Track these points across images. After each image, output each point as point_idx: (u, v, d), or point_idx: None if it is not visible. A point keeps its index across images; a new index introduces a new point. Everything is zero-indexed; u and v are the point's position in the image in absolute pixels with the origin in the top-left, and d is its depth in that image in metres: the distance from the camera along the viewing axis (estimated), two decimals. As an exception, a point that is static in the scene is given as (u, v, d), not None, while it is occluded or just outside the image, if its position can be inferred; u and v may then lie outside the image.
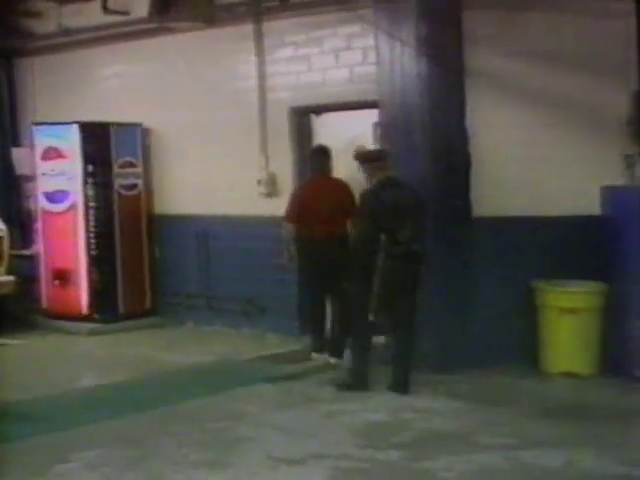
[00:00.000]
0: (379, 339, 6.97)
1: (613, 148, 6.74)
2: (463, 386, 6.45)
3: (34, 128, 9.34)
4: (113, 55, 9.46)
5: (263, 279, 8.31)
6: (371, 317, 6.33)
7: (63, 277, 9.07)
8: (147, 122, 9.17)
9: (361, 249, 6.47)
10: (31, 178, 9.54)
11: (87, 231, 8.92)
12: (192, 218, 8.90)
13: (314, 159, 7.56)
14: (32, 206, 9.69)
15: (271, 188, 8.31)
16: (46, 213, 9.24)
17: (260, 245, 8.27)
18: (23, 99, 10.44)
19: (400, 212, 6.28)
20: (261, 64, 8.32)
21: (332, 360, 7.11)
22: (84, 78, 9.71)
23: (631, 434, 5.34)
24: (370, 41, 7.36)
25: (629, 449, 5.04)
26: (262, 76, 8.33)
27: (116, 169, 9.01)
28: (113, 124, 9.00)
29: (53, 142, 9.05)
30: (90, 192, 8.93)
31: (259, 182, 8.33)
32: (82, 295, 8.97)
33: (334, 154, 7.49)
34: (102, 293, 8.99)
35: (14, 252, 9.13)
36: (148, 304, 9.26)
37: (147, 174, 9.24)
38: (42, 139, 9.19)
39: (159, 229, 9.24)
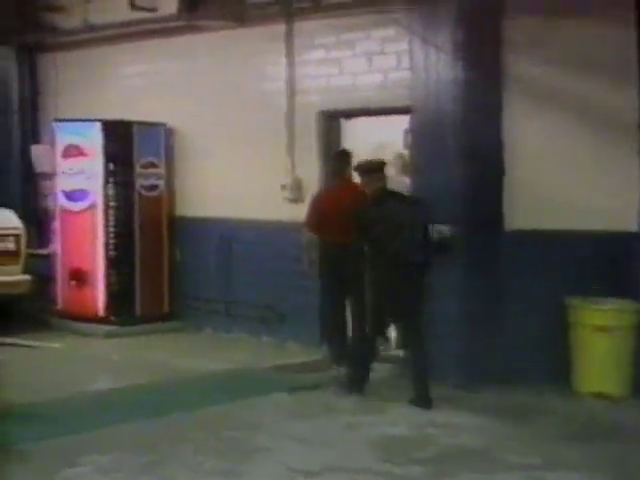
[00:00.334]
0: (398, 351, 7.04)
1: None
2: (488, 403, 6.42)
3: (55, 125, 9.43)
4: (139, 53, 9.54)
5: (284, 286, 8.32)
6: (367, 329, 6.65)
7: (80, 277, 9.13)
8: (171, 122, 9.24)
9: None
10: (50, 176, 9.63)
11: (106, 231, 8.99)
12: (214, 221, 8.94)
13: (334, 163, 7.63)
14: (50, 204, 9.77)
15: (296, 193, 8.32)
16: (65, 212, 9.32)
17: (282, 251, 8.29)
18: (45, 95, 10.56)
19: (393, 223, 6.39)
20: (291, 66, 8.36)
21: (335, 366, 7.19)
22: (108, 75, 9.81)
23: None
24: (404, 45, 7.38)
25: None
26: (291, 78, 8.37)
27: (138, 169, 9.08)
28: (136, 123, 9.08)
29: (74, 140, 9.14)
30: (110, 192, 9.00)
31: (284, 187, 8.35)
32: (99, 296, 9.03)
33: (362, 159, 7.48)
34: (119, 295, 9.05)
35: (31, 251, 9.21)
36: (166, 308, 9.31)
37: (169, 175, 9.30)
38: (63, 136, 9.27)
39: (180, 231, 9.29)
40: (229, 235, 8.78)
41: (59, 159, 9.29)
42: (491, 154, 6.99)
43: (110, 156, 8.97)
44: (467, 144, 6.92)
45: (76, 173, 9.12)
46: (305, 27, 8.23)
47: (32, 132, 10.57)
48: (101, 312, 9.03)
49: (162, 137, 9.23)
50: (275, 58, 8.44)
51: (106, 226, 8.98)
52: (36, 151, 10.25)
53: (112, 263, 9.01)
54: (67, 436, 5.52)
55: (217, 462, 5.07)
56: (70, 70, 10.14)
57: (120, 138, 9.02)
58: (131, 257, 9.07)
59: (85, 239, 9.10)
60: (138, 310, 9.11)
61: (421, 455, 5.24)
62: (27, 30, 10.08)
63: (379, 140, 8.19)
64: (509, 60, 6.92)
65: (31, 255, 9.19)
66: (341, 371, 7.04)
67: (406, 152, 8.00)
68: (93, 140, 8.98)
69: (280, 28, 8.30)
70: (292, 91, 8.37)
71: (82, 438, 5.50)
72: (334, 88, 8.14)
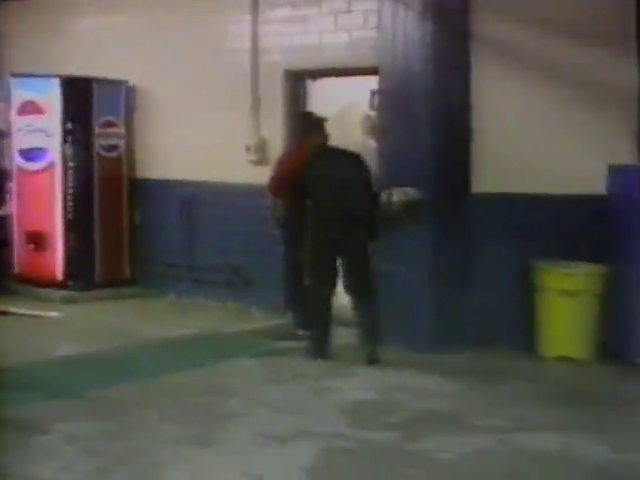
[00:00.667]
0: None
1: (622, 124, 6.74)
2: (456, 366, 6.51)
3: (11, 80, 9.21)
4: (98, 5, 9.34)
5: (249, 250, 8.31)
6: (305, 281, 6.69)
7: (37, 241, 9.02)
8: (132, 80, 9.10)
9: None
10: (5, 134, 9.42)
11: (64, 193, 8.86)
12: (176, 183, 8.86)
13: (298, 125, 7.60)
14: (6, 164, 9.58)
15: (261, 155, 8.28)
16: (21, 172, 9.17)
17: (247, 214, 8.26)
18: (-1, 47, 10.31)
19: (334, 180, 6.47)
20: (255, 23, 8.25)
21: (300, 332, 7.19)
22: (65, 28, 9.59)
23: (628, 421, 5.41)
24: (372, 4, 7.34)
25: (626, 436, 5.10)
26: (255, 36, 8.27)
27: (97, 128, 8.93)
28: (96, 80, 8.90)
29: (31, 96, 8.94)
30: (68, 151, 8.84)
31: (248, 148, 8.30)
32: (57, 261, 8.93)
33: (329, 121, 7.46)
34: (78, 259, 8.95)
35: (-16, 213, 9.08)
36: (127, 273, 9.23)
37: (130, 135, 9.17)
38: (19, 92, 9.07)
39: (141, 194, 9.19)
40: (192, 197, 8.72)
41: (14, 116, 9.10)
42: (459, 116, 7.01)
43: (68, 114, 8.79)
44: (435, 106, 6.93)
45: (33, 131, 8.94)
46: (271, -17, 8.16)
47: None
48: (59, 277, 8.93)
49: (123, 95, 9.07)
50: (239, 15, 8.34)
51: (64, 187, 8.84)
52: (-11, 108, 10.05)
53: (70, 226, 8.89)
54: (32, 404, 5.48)
55: (185, 429, 5.08)
56: (27, 21, 9.88)
57: (79, 95, 8.84)
58: (90, 220, 8.95)
59: (42, 201, 8.96)
60: (97, 275, 9.03)
61: (391, 419, 5.31)
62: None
63: (346, 101, 8.16)
64: (479, 20, 6.91)
65: (-16, 217, 9.08)
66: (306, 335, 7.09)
67: (373, 114, 7.99)
68: (51, 96, 8.79)
69: (245, -17, 8.22)
70: (256, 50, 8.28)
71: (47, 406, 5.47)
72: (299, 47, 8.06)
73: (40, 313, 8.16)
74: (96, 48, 9.26)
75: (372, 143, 7.84)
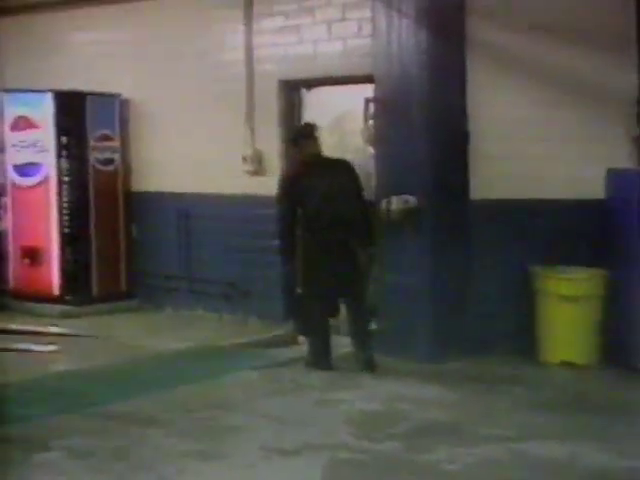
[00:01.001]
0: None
1: (619, 129, 6.78)
2: (457, 374, 6.51)
3: (3, 95, 9.20)
4: (92, 19, 9.34)
5: (246, 261, 8.30)
6: (298, 290, 6.71)
7: (33, 256, 9.01)
8: (126, 93, 9.11)
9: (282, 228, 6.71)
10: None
11: (60, 207, 8.86)
12: (173, 196, 8.86)
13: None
14: (0, 179, 9.57)
15: (257, 165, 8.29)
16: (15, 187, 9.16)
17: (244, 226, 8.27)
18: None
19: (325, 190, 6.49)
20: (249, 34, 8.27)
21: (301, 339, 7.21)
22: (60, 42, 9.60)
23: (632, 427, 5.41)
24: (366, 12, 7.35)
25: (631, 443, 5.10)
26: (250, 47, 8.28)
27: (92, 142, 8.93)
28: (89, 94, 8.91)
29: (24, 111, 8.96)
30: (64, 166, 8.85)
31: (244, 159, 8.31)
32: (53, 275, 8.92)
33: (324, 130, 7.49)
34: (75, 273, 8.94)
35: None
36: (124, 286, 9.22)
37: (125, 148, 9.17)
38: (12, 107, 9.08)
39: (137, 207, 9.19)
40: (188, 209, 8.72)
41: (8, 132, 9.09)
42: (456, 123, 7.03)
43: (62, 128, 8.80)
44: (431, 113, 6.94)
45: (27, 146, 8.94)
46: (263, -6, 8.18)
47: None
48: (56, 291, 8.92)
49: (117, 108, 9.08)
50: (233, 26, 8.35)
51: (60, 202, 8.84)
52: (-18, 123, 10.03)
53: (66, 240, 8.88)
54: (36, 420, 5.47)
55: (189, 444, 5.06)
56: (19, 36, 9.86)
57: (73, 109, 8.85)
58: (86, 234, 8.94)
59: (38, 215, 8.96)
60: (94, 289, 9.01)
61: (396, 430, 5.30)
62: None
63: (342, 109, 8.18)
64: (474, 26, 6.93)
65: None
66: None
67: (370, 122, 8.00)
68: (44, 111, 8.81)
69: (238, -6, 8.23)
70: (251, 60, 8.29)
71: (51, 422, 5.46)
72: (294, 57, 8.08)
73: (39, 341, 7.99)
74: (89, 62, 9.27)
75: (372, 151, 7.84)
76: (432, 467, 4.71)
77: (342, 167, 6.79)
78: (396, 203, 6.83)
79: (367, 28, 7.40)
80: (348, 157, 7.12)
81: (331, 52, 7.85)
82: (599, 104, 6.85)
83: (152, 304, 9.01)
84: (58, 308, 8.81)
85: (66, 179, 8.86)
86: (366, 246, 6.71)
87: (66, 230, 8.88)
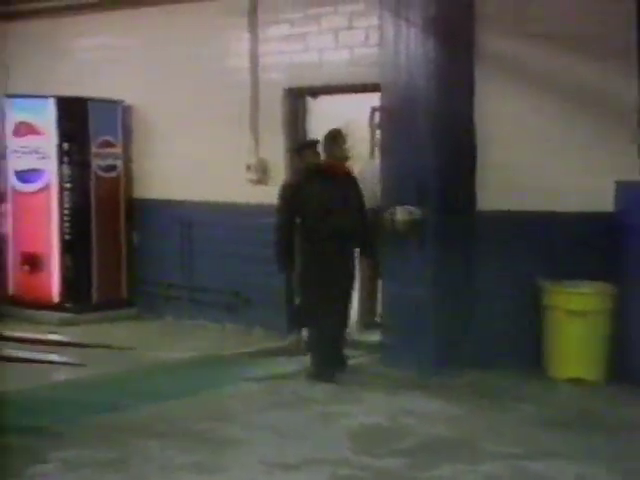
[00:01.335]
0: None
1: (628, 140, 6.68)
2: (462, 389, 6.42)
3: (6, 101, 9.16)
4: (95, 25, 9.31)
5: (249, 271, 8.23)
6: (296, 300, 6.76)
7: (33, 262, 8.95)
8: (129, 99, 9.05)
9: (280, 236, 6.70)
10: (1, 155, 9.35)
11: (61, 214, 8.80)
12: (175, 203, 8.80)
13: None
14: (1, 185, 9.50)
15: (261, 174, 8.21)
16: (17, 193, 9.10)
17: (247, 234, 8.20)
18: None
19: (325, 200, 6.47)
20: (254, 41, 8.21)
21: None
22: (62, 48, 9.55)
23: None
24: (373, 20, 7.30)
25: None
26: (255, 54, 8.23)
27: (94, 148, 8.88)
28: (92, 100, 8.86)
29: (26, 117, 8.91)
30: (65, 172, 8.80)
31: (248, 168, 8.23)
32: (53, 282, 8.86)
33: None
34: (75, 281, 8.88)
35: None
36: (124, 294, 9.16)
37: (127, 155, 9.12)
38: (14, 113, 9.03)
39: (139, 214, 9.13)
40: (191, 217, 8.65)
41: (10, 137, 9.04)
42: (463, 133, 6.97)
43: (64, 134, 8.76)
44: (438, 122, 6.87)
45: (29, 152, 8.89)
46: (269, 1, 8.10)
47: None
48: (56, 298, 8.85)
49: (119, 115, 9.03)
50: (238, 33, 8.30)
51: (61, 208, 8.78)
52: (-16, 129, 9.98)
53: (67, 247, 8.83)
54: (32, 430, 5.37)
55: (188, 456, 4.97)
56: (22, 42, 9.83)
57: (75, 115, 8.81)
58: (87, 241, 8.89)
59: (39, 222, 8.90)
60: (95, 296, 8.95)
61: (399, 446, 5.20)
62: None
63: (347, 119, 8.10)
64: (482, 36, 6.88)
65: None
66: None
67: (377, 131, 7.94)
68: (46, 117, 8.76)
69: (243, 2, 8.17)
70: (255, 68, 8.24)
71: (47, 433, 5.36)
72: (299, 65, 8.02)
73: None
74: (92, 68, 9.22)
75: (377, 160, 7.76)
76: (436, 485, 4.61)
77: (344, 179, 6.71)
78: (400, 214, 6.75)
79: (374, 37, 7.35)
80: (353, 166, 7.04)
81: (337, 60, 7.80)
82: (607, 116, 6.75)
83: (152, 312, 8.94)
84: (57, 316, 8.74)
85: (68, 185, 8.81)
86: (368, 256, 6.64)
87: (67, 237, 8.83)
